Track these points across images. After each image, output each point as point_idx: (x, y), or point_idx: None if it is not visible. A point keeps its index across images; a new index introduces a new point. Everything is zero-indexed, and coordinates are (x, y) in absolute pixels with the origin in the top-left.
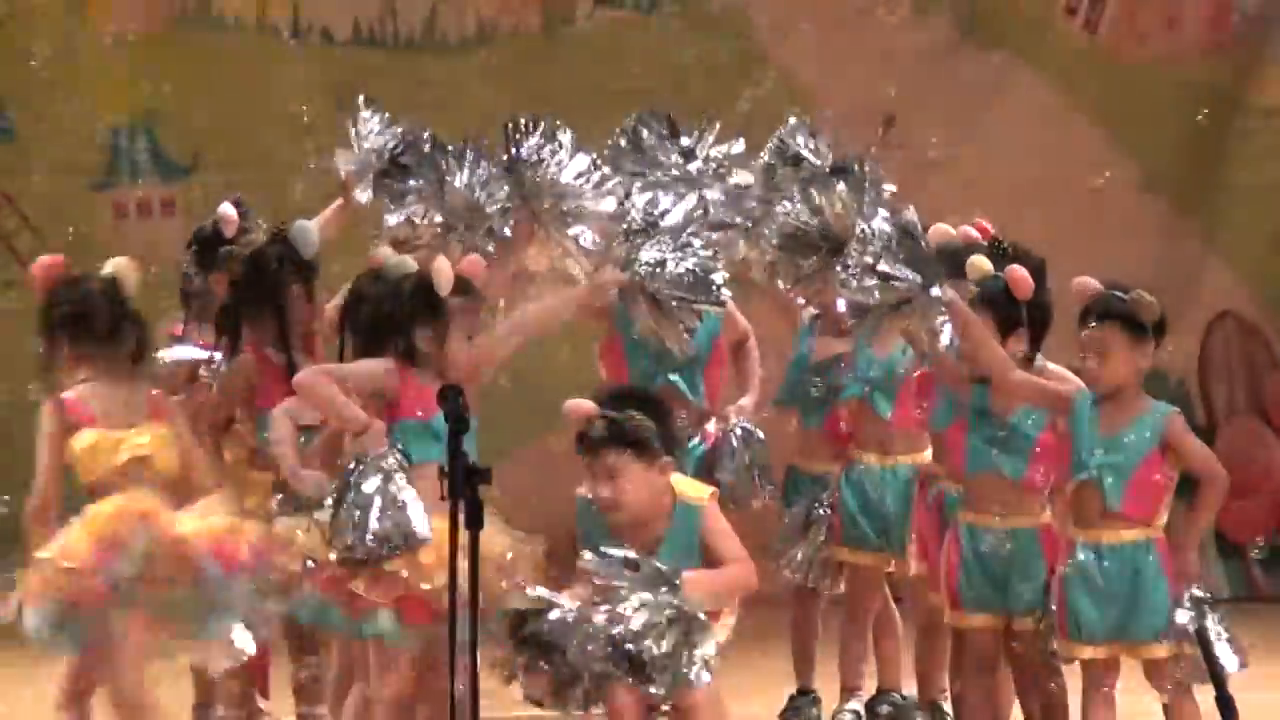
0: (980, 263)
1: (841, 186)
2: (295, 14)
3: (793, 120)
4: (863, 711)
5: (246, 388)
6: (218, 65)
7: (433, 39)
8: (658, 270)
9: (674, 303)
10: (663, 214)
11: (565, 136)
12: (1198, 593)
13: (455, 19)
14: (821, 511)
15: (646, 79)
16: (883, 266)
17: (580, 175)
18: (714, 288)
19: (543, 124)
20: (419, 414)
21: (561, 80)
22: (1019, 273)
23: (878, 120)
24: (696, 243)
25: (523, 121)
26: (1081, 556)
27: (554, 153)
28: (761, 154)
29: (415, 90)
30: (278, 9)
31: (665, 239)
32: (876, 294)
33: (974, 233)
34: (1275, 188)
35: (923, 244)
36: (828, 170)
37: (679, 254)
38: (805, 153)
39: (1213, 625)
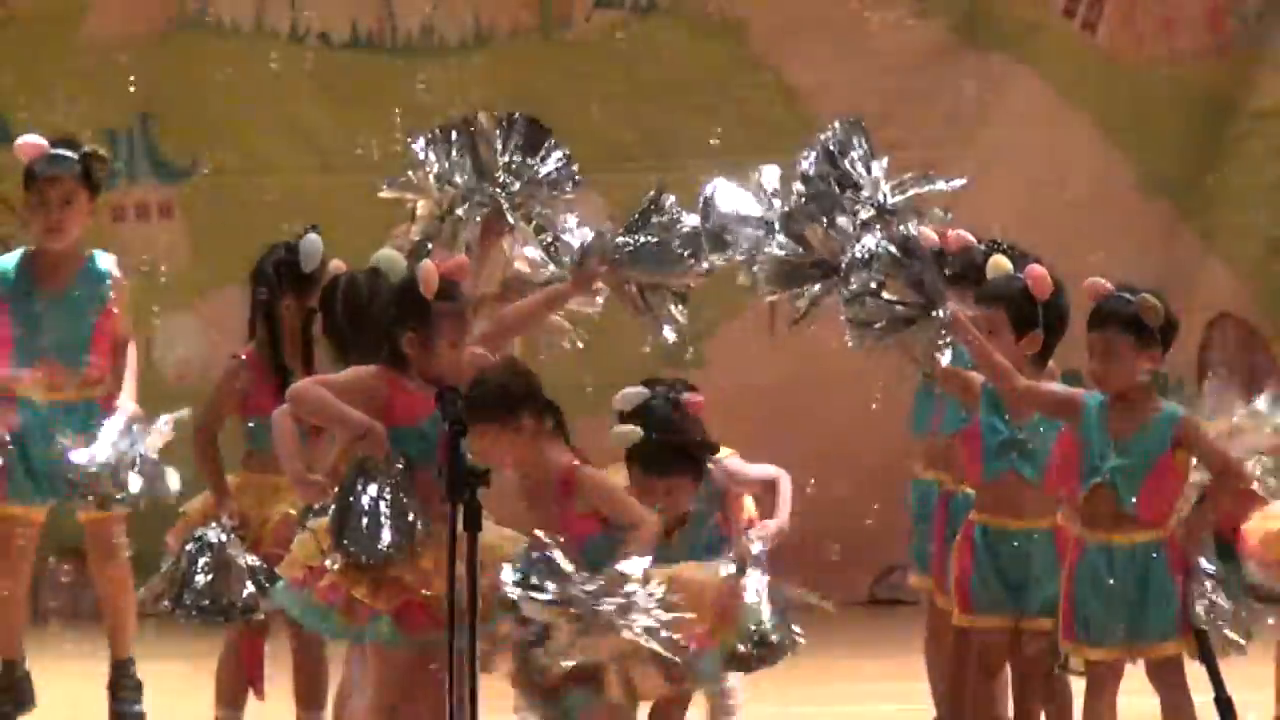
0: (1002, 262)
1: (823, 216)
2: (293, 17)
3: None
4: None
5: (240, 392)
6: (216, 68)
7: (431, 41)
8: (631, 252)
9: (653, 285)
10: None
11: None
12: (1207, 567)
13: (453, 21)
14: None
15: (644, 81)
16: (886, 292)
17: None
18: (684, 257)
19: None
20: (410, 420)
21: (559, 82)
22: (1039, 271)
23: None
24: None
25: (507, 119)
26: (1092, 558)
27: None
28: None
29: (413, 93)
30: (276, 12)
31: (636, 223)
32: (880, 318)
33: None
34: (1273, 189)
35: (925, 262)
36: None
37: (649, 234)
38: (856, 165)
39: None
